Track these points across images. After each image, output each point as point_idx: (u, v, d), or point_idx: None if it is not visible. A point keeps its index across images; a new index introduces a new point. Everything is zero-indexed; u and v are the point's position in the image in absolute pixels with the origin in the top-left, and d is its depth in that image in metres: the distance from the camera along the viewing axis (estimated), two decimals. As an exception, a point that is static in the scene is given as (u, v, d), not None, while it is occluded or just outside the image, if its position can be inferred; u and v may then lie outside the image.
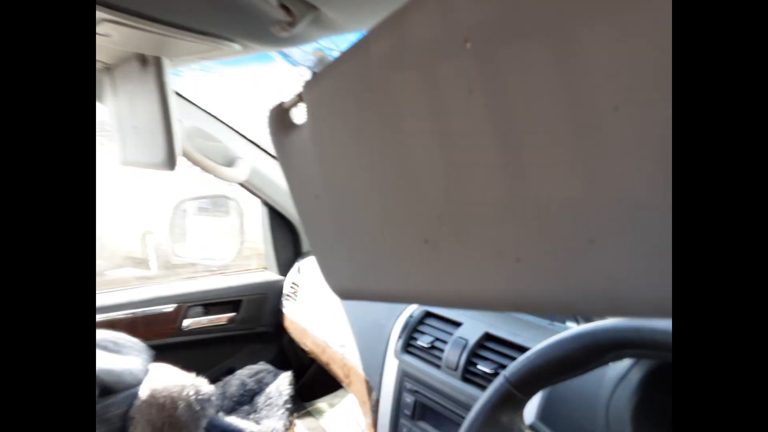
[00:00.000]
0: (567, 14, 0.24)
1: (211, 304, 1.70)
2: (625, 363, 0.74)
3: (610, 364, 0.75)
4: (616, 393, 0.73)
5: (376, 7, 0.45)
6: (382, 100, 0.36)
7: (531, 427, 0.67)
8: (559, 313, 0.33)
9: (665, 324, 0.52)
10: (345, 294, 0.51)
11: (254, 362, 1.66)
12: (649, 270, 0.24)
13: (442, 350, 0.99)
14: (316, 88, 0.43)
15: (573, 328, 0.59)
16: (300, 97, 0.45)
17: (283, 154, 0.50)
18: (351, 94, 0.39)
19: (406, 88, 0.33)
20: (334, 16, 0.54)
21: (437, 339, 1.03)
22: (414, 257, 0.38)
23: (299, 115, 0.47)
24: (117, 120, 1.05)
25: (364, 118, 0.38)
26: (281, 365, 1.66)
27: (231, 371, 1.64)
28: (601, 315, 0.32)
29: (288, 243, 1.85)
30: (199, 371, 1.20)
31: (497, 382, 0.64)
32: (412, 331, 1.09)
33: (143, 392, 1.08)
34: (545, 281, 0.29)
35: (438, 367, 0.99)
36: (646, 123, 0.23)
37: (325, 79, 0.42)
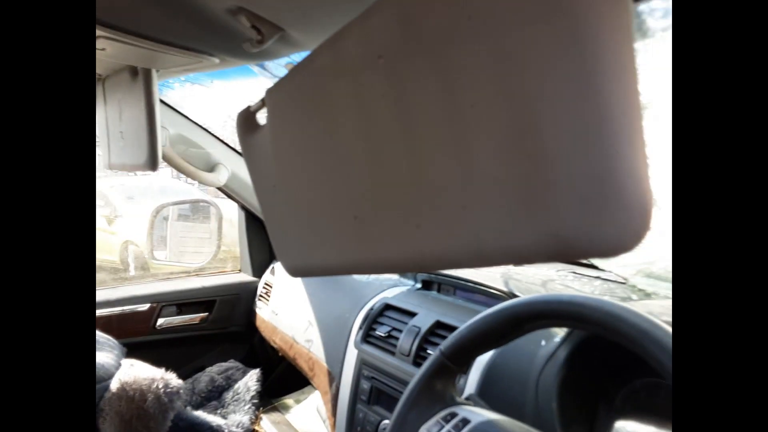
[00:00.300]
0: (442, 41, 0.35)
1: (185, 303, 1.75)
2: (554, 343, 0.82)
3: (542, 342, 0.85)
4: (544, 370, 0.81)
5: (333, 30, 0.55)
6: (323, 103, 0.46)
7: (468, 398, 0.75)
8: (449, 267, 0.43)
9: (569, 296, 0.61)
10: (296, 272, 0.60)
11: (225, 361, 1.72)
12: (504, 227, 0.34)
13: (397, 338, 1.09)
14: (275, 94, 0.53)
15: (496, 305, 0.68)
16: (263, 102, 0.55)
17: (248, 151, 0.60)
18: (300, 99, 0.49)
19: (339, 93, 0.44)
20: (298, 36, 0.64)
21: (394, 329, 1.12)
22: (347, 232, 0.48)
23: (263, 117, 0.57)
24: (105, 126, 1.13)
25: (310, 118, 0.48)
26: (251, 364, 1.72)
27: (201, 369, 1.69)
28: (475, 267, 0.42)
29: (263, 246, 1.91)
30: (171, 369, 1.24)
31: (433, 355, 0.73)
32: (371, 322, 1.19)
33: (114, 385, 1.11)
34: (437, 242, 0.40)
35: (393, 354, 1.08)
36: (495, 117, 0.33)
37: (282, 87, 0.52)
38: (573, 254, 0.30)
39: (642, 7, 0.54)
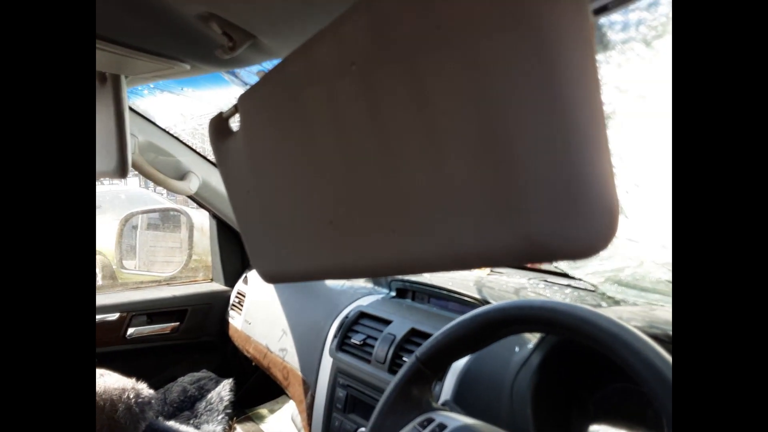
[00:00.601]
0: (412, 49, 0.35)
1: (155, 313, 1.72)
2: (527, 349, 0.83)
3: (516, 349, 0.86)
4: (518, 376, 0.82)
5: (305, 38, 0.55)
6: (296, 109, 0.46)
7: (444, 404, 0.75)
8: (424, 271, 0.43)
9: (542, 301, 0.62)
10: (272, 278, 0.60)
11: (197, 370, 1.69)
12: (477, 231, 0.35)
13: (372, 346, 1.09)
14: (248, 101, 0.53)
15: (471, 311, 0.69)
16: (236, 108, 0.55)
17: (221, 157, 0.59)
18: (273, 105, 0.49)
19: (312, 100, 0.44)
20: (270, 44, 0.64)
21: (369, 336, 1.12)
22: (322, 237, 0.48)
23: (235, 123, 0.57)
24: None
25: (283, 125, 0.48)
26: (224, 373, 1.70)
27: (173, 379, 1.67)
28: (449, 270, 0.43)
29: (235, 254, 1.90)
30: (143, 379, 1.21)
31: (409, 361, 0.73)
32: (346, 330, 1.18)
33: None
34: (412, 246, 0.40)
35: (368, 362, 1.08)
36: (465, 124, 0.34)
37: (255, 93, 0.52)
38: (544, 256, 0.31)
39: (602, 20, 0.57)
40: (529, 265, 1.35)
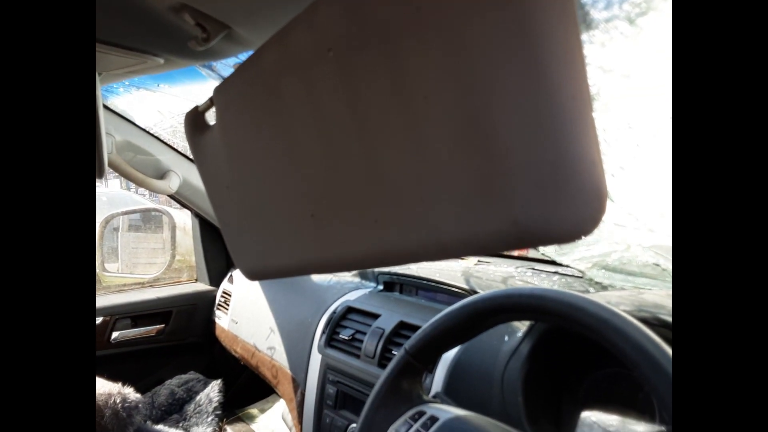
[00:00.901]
0: (391, 33, 0.34)
1: (140, 316, 1.70)
2: (516, 338, 0.83)
3: (505, 338, 0.86)
4: (509, 365, 0.82)
5: (280, 27, 0.54)
6: (273, 99, 0.44)
7: (435, 396, 0.75)
8: (409, 262, 0.42)
9: (530, 289, 0.62)
10: (254, 274, 0.59)
11: (185, 372, 1.67)
12: (463, 218, 0.34)
13: (361, 341, 1.08)
14: (224, 93, 0.51)
15: (459, 302, 0.68)
16: (211, 101, 0.53)
17: (198, 152, 0.58)
18: (250, 97, 0.47)
19: (289, 89, 0.42)
20: (245, 34, 0.62)
21: (357, 331, 1.11)
22: (305, 231, 0.47)
23: (212, 117, 0.55)
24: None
25: (261, 116, 0.47)
26: (212, 374, 1.68)
27: (160, 382, 1.64)
28: (436, 260, 0.42)
29: (219, 253, 1.87)
30: (129, 383, 1.19)
31: (399, 354, 0.72)
32: (335, 326, 1.17)
33: None
34: (396, 236, 0.39)
35: (358, 357, 1.07)
36: (448, 108, 0.33)
37: (230, 85, 0.50)
38: (532, 240, 0.30)
39: (586, -1, 0.56)
40: (516, 254, 1.35)
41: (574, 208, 0.28)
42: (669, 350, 0.47)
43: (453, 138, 0.33)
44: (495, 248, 0.33)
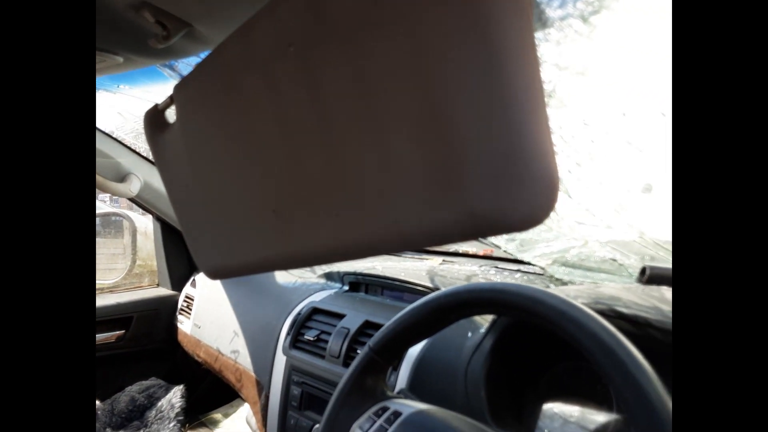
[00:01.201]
0: (351, 27, 0.34)
1: (99, 321, 1.65)
2: (479, 334, 0.84)
3: (468, 334, 0.87)
4: (472, 360, 0.83)
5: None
6: (234, 95, 0.44)
7: (400, 392, 0.75)
8: (371, 254, 0.43)
9: (491, 284, 0.63)
10: (215, 273, 0.58)
11: (146, 379, 1.64)
12: (422, 210, 0.35)
13: (326, 341, 1.07)
14: (184, 91, 0.51)
15: (422, 298, 0.69)
16: (171, 99, 0.52)
17: (158, 151, 0.57)
18: (211, 94, 0.47)
19: (250, 85, 0.42)
20: (206, 32, 0.62)
21: (322, 332, 1.11)
22: (267, 227, 0.47)
23: (172, 115, 0.54)
24: None
25: (221, 113, 0.47)
26: (174, 380, 1.65)
27: (121, 389, 1.61)
28: (397, 251, 0.42)
29: (181, 258, 1.84)
30: None
31: (362, 352, 0.73)
32: (300, 327, 1.17)
33: None
34: (357, 229, 0.39)
35: (323, 357, 1.07)
36: (406, 102, 0.33)
37: (191, 82, 0.50)
38: (489, 229, 0.31)
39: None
40: (480, 252, 1.37)
41: (528, 198, 0.29)
42: (623, 339, 0.49)
43: (411, 130, 0.33)
44: (453, 238, 0.33)
